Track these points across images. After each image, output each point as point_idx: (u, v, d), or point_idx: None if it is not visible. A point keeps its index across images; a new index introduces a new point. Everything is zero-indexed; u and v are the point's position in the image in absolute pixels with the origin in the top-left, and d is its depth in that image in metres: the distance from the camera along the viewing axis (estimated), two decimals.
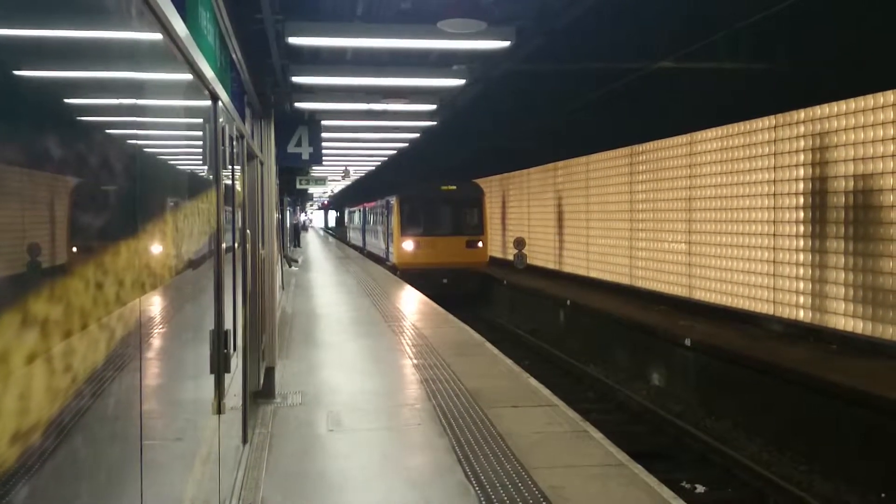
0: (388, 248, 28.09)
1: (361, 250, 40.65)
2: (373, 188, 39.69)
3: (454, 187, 25.16)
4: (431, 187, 25.38)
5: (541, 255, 25.56)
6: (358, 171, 33.47)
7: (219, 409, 3.97)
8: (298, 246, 44.29)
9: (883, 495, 8.30)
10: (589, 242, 21.43)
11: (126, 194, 2.21)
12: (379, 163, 28.67)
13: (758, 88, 13.48)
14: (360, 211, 44.10)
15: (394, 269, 25.77)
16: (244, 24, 6.48)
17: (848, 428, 9.10)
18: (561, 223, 23.59)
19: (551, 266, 24.61)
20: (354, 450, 6.54)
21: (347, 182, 42.25)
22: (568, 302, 18.27)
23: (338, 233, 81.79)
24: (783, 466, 9.42)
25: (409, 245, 24.81)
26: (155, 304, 2.60)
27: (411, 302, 17.13)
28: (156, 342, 2.70)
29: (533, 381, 9.05)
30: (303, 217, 54.45)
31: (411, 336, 12.22)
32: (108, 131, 2.17)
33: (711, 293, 15.11)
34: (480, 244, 24.95)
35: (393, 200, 26.00)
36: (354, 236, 50.08)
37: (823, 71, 11.92)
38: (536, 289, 21.11)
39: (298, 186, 27.29)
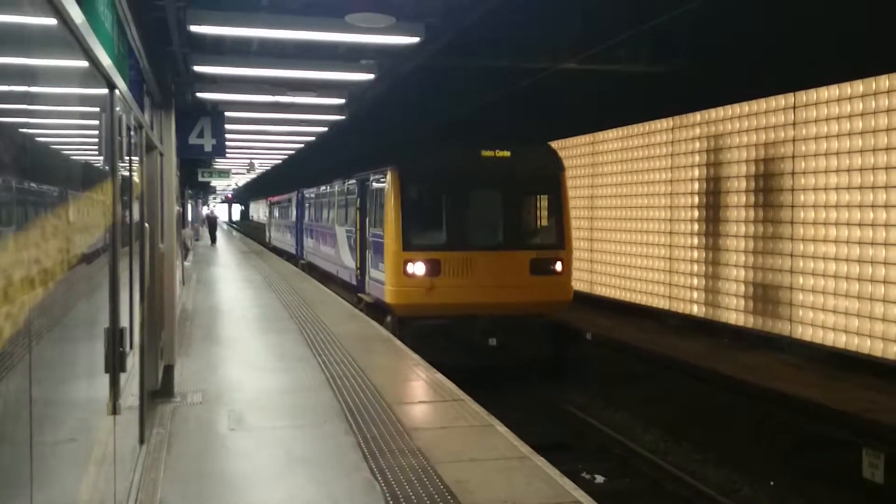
0: (364, 271, 15.49)
1: (295, 259, 28.48)
2: (310, 171, 29.39)
3: (508, 153, 13.04)
4: (463, 153, 13.03)
5: None
6: (264, 164, 32.90)
7: (114, 409, 3.84)
8: (213, 243, 40.35)
9: (772, 483, 8.73)
10: None
11: (15, 186, 2.11)
12: (286, 156, 28.22)
13: (657, 91, 13.95)
14: (294, 200, 29.04)
15: (379, 312, 13.88)
16: (144, 11, 6.27)
17: (739, 418, 9.54)
18: None
19: None
20: (257, 449, 6.43)
21: (255, 174, 41.28)
22: None
23: (243, 227, 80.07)
24: (679, 456, 9.79)
25: (419, 268, 12.51)
26: (45, 301, 2.49)
27: (317, 297, 16.94)
28: (46, 340, 2.59)
29: (440, 376, 9.11)
30: (206, 210, 52.64)
31: (317, 332, 12.09)
32: None
33: (611, 289, 15.56)
34: (559, 266, 12.97)
35: (386, 177, 13.34)
36: (280, 238, 34.13)
37: (719, 75, 12.44)
38: None
39: (200, 179, 26.70)
